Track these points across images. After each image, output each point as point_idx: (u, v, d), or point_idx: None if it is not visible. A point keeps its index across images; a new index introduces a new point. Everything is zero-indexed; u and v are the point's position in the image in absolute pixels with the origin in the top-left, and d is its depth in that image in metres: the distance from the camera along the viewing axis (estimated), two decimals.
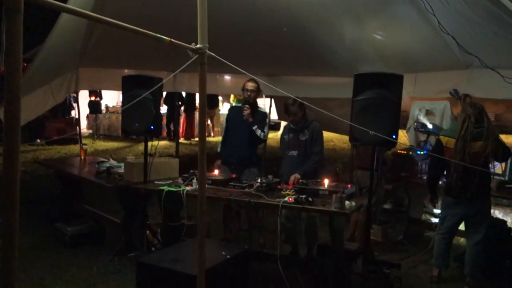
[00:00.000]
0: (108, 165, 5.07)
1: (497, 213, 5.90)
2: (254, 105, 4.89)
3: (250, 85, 4.81)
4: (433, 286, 4.16)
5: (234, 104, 13.47)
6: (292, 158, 4.60)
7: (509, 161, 4.68)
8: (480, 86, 4.88)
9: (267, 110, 6.63)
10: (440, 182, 4.42)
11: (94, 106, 14.00)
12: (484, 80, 4.73)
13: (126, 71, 6.76)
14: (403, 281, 4.08)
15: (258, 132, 4.81)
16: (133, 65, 6.90)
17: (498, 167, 4.70)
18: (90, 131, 14.23)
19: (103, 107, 15.15)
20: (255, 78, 4.68)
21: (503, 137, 4.26)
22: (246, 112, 4.74)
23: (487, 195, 4.14)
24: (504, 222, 4.69)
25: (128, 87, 4.47)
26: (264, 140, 4.95)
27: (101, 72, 7.05)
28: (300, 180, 4.03)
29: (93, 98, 13.92)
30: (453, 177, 3.97)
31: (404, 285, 4.06)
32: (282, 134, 4.84)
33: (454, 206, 4.16)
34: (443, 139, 4.17)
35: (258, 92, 4.88)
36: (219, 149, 5.11)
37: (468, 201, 4.05)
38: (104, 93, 14.52)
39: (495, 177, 4.58)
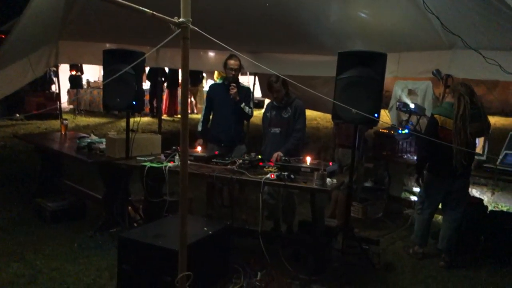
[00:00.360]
0: (89, 140, 5.00)
1: (474, 191, 6.04)
2: (237, 82, 4.87)
3: (233, 63, 4.76)
4: (411, 260, 4.26)
5: (218, 81, 13.45)
6: (275, 135, 4.61)
7: (487, 140, 4.76)
8: (462, 67, 4.93)
9: (251, 88, 6.60)
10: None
11: (75, 81, 13.75)
12: (466, 60, 4.77)
13: (108, 46, 6.63)
14: (381, 256, 4.17)
15: (246, 109, 4.81)
16: (115, 39, 6.77)
17: (477, 146, 4.78)
18: (71, 106, 14.00)
19: (84, 82, 14.88)
20: (236, 54, 4.64)
21: None
22: (234, 91, 4.70)
23: (470, 173, 4.23)
24: (481, 200, 4.81)
25: (109, 61, 4.38)
26: (251, 116, 4.93)
27: (81, 45, 6.89)
28: (283, 158, 4.05)
29: (74, 73, 13.65)
30: (457, 158, 3.97)
31: (383, 260, 4.15)
32: (265, 112, 4.83)
33: (439, 183, 4.24)
34: (439, 118, 4.11)
35: (240, 69, 4.86)
36: (199, 128, 5.04)
37: (451, 178, 4.11)
38: (85, 67, 14.25)
39: (475, 156, 4.66)
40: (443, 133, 4.04)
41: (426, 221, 4.37)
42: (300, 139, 4.52)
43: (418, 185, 4.37)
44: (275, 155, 4.32)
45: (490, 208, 4.92)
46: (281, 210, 4.60)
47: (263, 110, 5.04)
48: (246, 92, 4.92)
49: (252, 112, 4.91)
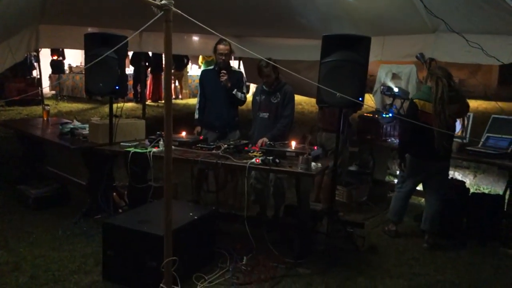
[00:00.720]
0: (72, 126, 4.95)
1: (456, 174, 6.13)
2: (228, 67, 4.81)
3: (223, 48, 4.67)
4: (394, 242, 4.33)
5: (203, 66, 13.33)
6: (263, 120, 4.60)
7: (470, 124, 4.82)
8: (445, 50, 4.95)
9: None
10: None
11: (57, 66, 13.46)
12: (449, 44, 4.79)
13: (90, 30, 6.50)
14: (366, 239, 4.22)
15: (239, 94, 4.75)
16: (97, 23, 6.63)
17: (458, 130, 4.84)
18: (53, 92, 13.77)
19: (66, 67, 14.61)
20: (226, 39, 4.58)
21: None
22: (224, 78, 4.64)
23: (450, 155, 4.30)
24: (463, 183, 4.88)
25: (90, 45, 4.30)
26: (245, 101, 4.87)
27: (63, 29, 6.74)
28: (268, 142, 4.05)
29: (55, 58, 13.38)
30: (438, 140, 4.03)
31: (367, 243, 4.20)
32: (254, 95, 4.80)
33: (420, 166, 4.31)
34: (419, 102, 4.15)
35: (230, 54, 4.78)
36: (196, 116, 4.98)
37: (433, 160, 4.19)
38: (67, 52, 13.96)
39: (457, 139, 4.72)
40: (423, 117, 4.08)
41: (402, 200, 4.46)
42: (287, 125, 4.51)
43: (401, 170, 4.42)
44: (260, 140, 4.31)
45: (472, 190, 5.01)
46: (271, 195, 4.62)
47: (248, 94, 5.00)
48: (238, 77, 4.84)
49: (245, 98, 4.84)
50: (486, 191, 5.66)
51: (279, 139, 4.31)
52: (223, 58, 4.69)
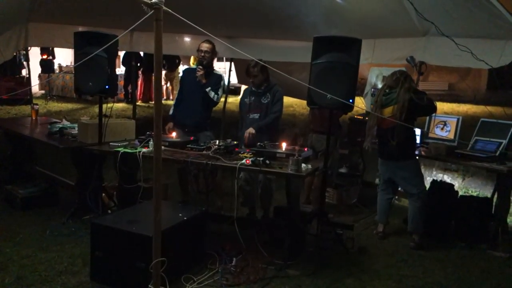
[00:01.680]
0: (61, 125, 4.91)
1: (445, 177, 6.18)
2: (209, 67, 4.81)
3: (204, 46, 4.73)
4: (384, 244, 4.35)
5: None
6: (253, 121, 4.60)
7: (459, 127, 4.85)
8: (435, 54, 4.99)
9: (227, 74, 6.53)
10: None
11: (46, 65, 13.36)
12: (439, 48, 4.83)
13: (80, 29, 6.46)
14: (355, 241, 4.24)
15: (212, 94, 4.74)
16: (88, 22, 6.58)
17: (448, 133, 4.87)
18: (43, 92, 13.65)
19: (56, 67, 14.51)
20: (212, 38, 4.57)
21: (455, 106, 4.42)
22: (200, 73, 4.67)
23: (410, 155, 4.39)
24: (452, 185, 4.91)
25: (80, 44, 4.28)
26: (217, 102, 4.86)
27: (52, 28, 6.69)
28: (258, 143, 4.04)
29: (45, 57, 13.27)
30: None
31: (357, 245, 4.22)
32: (243, 98, 4.80)
33: (381, 165, 4.57)
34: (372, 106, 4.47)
35: (212, 54, 4.79)
36: (171, 112, 5.01)
37: (391, 160, 4.41)
38: (58, 52, 13.87)
39: (446, 142, 4.76)
40: (379, 120, 4.37)
41: (383, 201, 4.61)
42: (274, 119, 4.57)
43: None
44: (246, 131, 4.38)
45: (460, 193, 5.04)
46: (259, 197, 4.62)
47: (239, 97, 4.99)
48: (217, 79, 4.84)
49: (218, 99, 4.82)
50: (475, 194, 5.71)
51: (266, 132, 4.41)
52: (203, 54, 4.72)
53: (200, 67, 4.69)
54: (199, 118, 4.83)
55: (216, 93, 4.78)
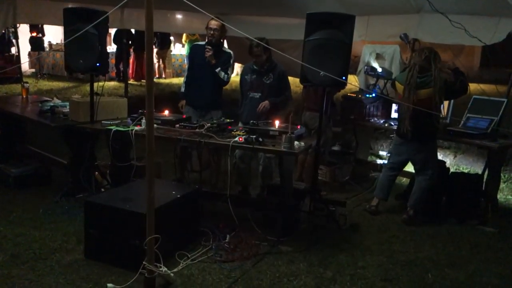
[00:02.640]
0: (52, 104, 4.86)
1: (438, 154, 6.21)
2: (219, 46, 4.72)
3: (213, 24, 4.57)
4: (376, 220, 4.40)
5: (186, 45, 13.13)
6: (254, 100, 4.59)
7: (451, 104, 4.87)
8: (429, 31, 4.97)
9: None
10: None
11: (36, 43, 13.13)
12: (433, 24, 4.81)
13: (70, 5, 6.33)
14: (348, 218, 4.28)
15: (222, 74, 4.64)
16: None
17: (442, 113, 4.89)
18: (33, 70, 13.46)
19: (46, 44, 14.27)
20: (206, 14, 4.50)
21: None
22: (209, 54, 4.55)
23: (432, 137, 4.37)
24: (444, 162, 4.96)
25: (70, 20, 4.18)
26: (227, 82, 4.78)
27: (41, 4, 6.55)
28: (251, 121, 4.03)
29: (34, 34, 13.04)
30: (404, 123, 4.26)
31: (349, 221, 4.26)
32: (243, 74, 4.76)
33: (401, 145, 4.47)
34: (398, 85, 4.41)
35: (222, 31, 4.65)
36: (182, 89, 4.95)
37: (413, 142, 4.32)
38: (47, 29, 13.63)
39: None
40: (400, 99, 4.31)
41: (386, 177, 4.61)
42: (288, 99, 4.68)
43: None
44: (262, 104, 4.46)
45: (452, 170, 5.09)
46: (259, 175, 4.66)
47: (234, 74, 4.95)
48: (226, 57, 4.73)
49: (228, 79, 4.74)
50: (466, 171, 5.77)
51: (276, 109, 4.51)
52: (211, 32, 4.59)
53: (209, 47, 4.56)
54: (209, 97, 4.75)
55: (226, 72, 4.68)
